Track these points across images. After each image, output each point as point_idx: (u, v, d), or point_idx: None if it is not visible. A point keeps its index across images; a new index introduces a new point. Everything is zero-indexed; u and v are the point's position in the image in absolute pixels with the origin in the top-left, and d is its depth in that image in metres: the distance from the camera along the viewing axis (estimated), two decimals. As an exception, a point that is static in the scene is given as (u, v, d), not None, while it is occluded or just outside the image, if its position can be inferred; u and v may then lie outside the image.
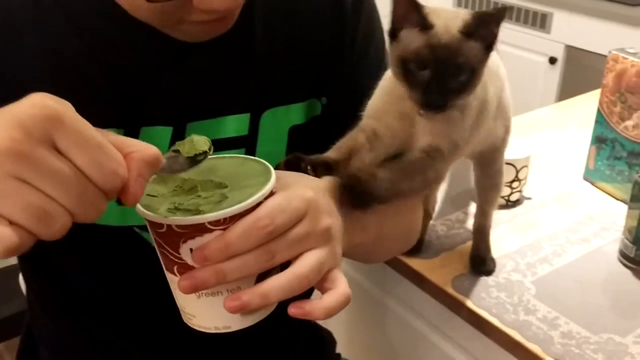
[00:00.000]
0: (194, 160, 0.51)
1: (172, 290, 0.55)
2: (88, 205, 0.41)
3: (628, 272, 0.93)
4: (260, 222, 0.49)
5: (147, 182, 0.45)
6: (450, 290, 0.88)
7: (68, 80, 0.64)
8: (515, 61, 2.46)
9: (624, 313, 0.85)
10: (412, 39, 0.63)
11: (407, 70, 0.64)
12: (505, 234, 1.00)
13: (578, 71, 2.39)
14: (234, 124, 0.72)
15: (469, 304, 0.86)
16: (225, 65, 0.71)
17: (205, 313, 0.53)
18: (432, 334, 0.98)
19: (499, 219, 1.02)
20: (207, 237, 0.49)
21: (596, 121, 1.12)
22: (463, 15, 0.65)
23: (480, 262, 0.92)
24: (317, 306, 0.52)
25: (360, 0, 0.79)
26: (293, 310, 0.52)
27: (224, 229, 0.49)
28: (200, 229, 0.49)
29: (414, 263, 0.94)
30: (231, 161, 0.57)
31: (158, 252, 0.53)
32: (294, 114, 0.75)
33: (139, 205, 0.50)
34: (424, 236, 0.97)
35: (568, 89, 2.36)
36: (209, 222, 0.49)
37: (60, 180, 0.39)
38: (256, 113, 0.73)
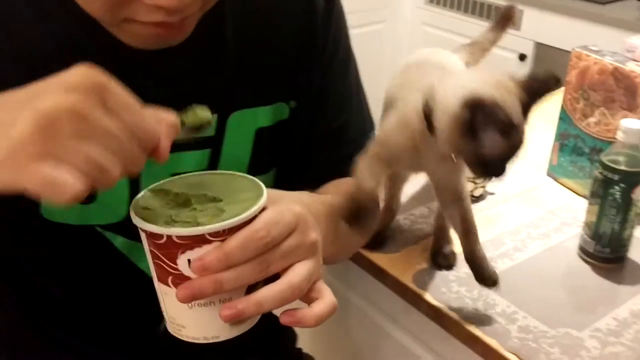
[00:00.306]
0: (198, 129, 0.55)
1: (161, 301, 0.56)
2: (135, 160, 0.46)
3: (587, 267, 0.94)
4: (258, 234, 0.51)
5: (171, 142, 0.49)
6: (410, 284, 0.88)
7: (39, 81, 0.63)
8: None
9: (581, 308, 0.86)
10: (495, 143, 0.65)
11: (484, 162, 0.67)
12: (468, 228, 1.01)
13: (547, 68, 2.41)
14: None
15: (429, 298, 0.86)
16: (194, 67, 0.70)
17: (196, 323, 0.54)
18: (393, 328, 0.98)
19: (462, 213, 1.02)
20: (205, 248, 0.51)
21: (560, 118, 1.13)
22: (515, 90, 0.67)
23: (442, 257, 0.92)
24: (308, 314, 0.55)
25: (331, 5, 0.79)
26: (285, 318, 0.54)
27: (222, 241, 0.51)
28: (199, 240, 0.50)
29: (376, 257, 0.93)
30: (220, 177, 0.59)
31: (152, 263, 0.54)
32: (261, 116, 0.75)
33: (136, 217, 0.52)
34: (386, 232, 0.97)
35: (537, 86, 2.38)
36: (209, 234, 0.50)
37: (113, 137, 0.44)
38: (224, 115, 0.73)
